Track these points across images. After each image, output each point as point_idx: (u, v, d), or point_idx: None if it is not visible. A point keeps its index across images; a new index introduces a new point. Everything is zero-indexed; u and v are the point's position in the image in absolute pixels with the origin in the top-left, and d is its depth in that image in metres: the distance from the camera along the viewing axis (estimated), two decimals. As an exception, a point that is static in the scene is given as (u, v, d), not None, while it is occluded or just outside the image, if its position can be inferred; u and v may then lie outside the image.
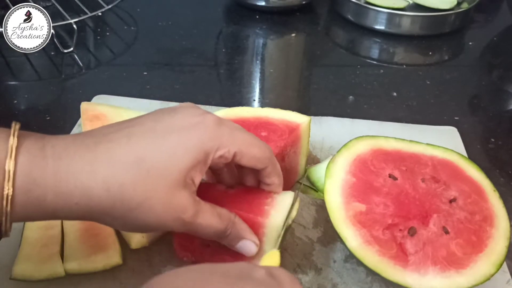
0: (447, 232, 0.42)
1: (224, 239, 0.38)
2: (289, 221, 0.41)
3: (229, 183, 0.43)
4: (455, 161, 0.47)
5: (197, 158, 0.35)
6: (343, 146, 0.48)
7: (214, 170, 0.42)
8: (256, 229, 0.40)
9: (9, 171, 0.31)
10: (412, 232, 0.42)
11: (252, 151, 0.38)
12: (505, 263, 0.43)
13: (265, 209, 0.40)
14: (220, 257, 0.41)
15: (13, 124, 0.33)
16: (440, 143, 0.50)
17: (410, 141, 0.49)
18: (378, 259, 0.41)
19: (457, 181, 0.46)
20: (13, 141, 0.32)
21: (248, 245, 0.39)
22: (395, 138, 0.49)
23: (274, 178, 0.41)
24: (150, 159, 0.34)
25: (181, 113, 0.37)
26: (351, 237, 0.42)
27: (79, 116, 0.58)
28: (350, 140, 0.48)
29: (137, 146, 0.34)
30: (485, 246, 0.41)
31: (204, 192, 0.38)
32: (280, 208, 0.41)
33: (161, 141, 0.34)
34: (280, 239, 0.40)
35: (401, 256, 0.41)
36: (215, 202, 0.39)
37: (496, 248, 0.41)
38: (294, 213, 0.41)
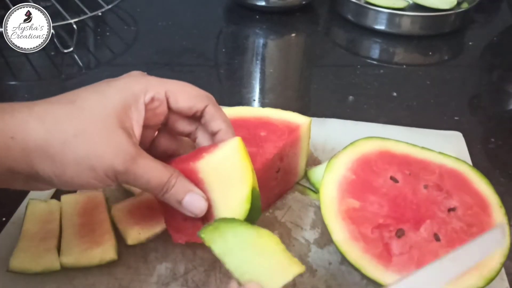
0: (438, 240, 0.41)
1: (168, 192, 0.37)
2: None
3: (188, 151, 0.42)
4: (465, 172, 0.46)
5: (126, 99, 0.36)
6: (350, 144, 0.47)
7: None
8: (193, 176, 0.37)
9: None
10: (399, 233, 0.42)
11: (184, 90, 0.39)
12: (503, 269, 0.43)
13: (203, 155, 0.38)
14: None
15: None
16: (444, 147, 0.49)
17: (422, 147, 0.48)
18: (360, 255, 0.40)
19: (461, 192, 0.44)
20: None
21: (196, 199, 0.37)
22: (406, 142, 0.48)
23: (220, 122, 0.39)
24: (82, 100, 0.36)
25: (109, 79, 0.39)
26: (338, 230, 0.42)
27: (79, 116, 0.58)
28: (358, 139, 0.48)
29: (70, 94, 0.37)
30: None
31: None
32: (219, 151, 0.37)
33: (92, 88, 0.37)
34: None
35: (385, 256, 0.41)
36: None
37: (489, 264, 0.40)
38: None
